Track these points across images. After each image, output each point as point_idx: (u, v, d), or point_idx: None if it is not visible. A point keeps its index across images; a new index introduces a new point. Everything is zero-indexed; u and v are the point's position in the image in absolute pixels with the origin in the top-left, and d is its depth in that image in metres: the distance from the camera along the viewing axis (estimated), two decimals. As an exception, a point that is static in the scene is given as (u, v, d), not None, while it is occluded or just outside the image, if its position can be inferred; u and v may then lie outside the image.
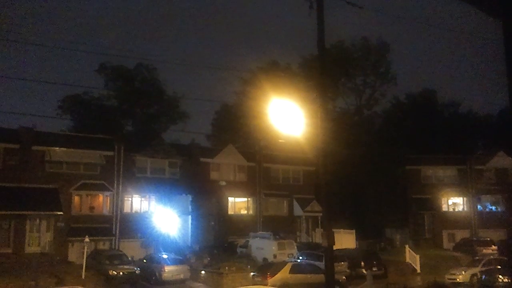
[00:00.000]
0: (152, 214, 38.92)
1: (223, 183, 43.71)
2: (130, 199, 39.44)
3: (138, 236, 37.91)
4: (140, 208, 39.74)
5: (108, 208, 37.91)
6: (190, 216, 41.03)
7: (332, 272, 14.70)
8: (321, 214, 35.50)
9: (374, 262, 31.77)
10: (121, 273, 28.45)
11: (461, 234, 48.80)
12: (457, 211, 52.39)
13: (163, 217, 38.23)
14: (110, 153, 38.31)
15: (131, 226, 37.90)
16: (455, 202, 52.84)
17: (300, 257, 32.29)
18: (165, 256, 30.60)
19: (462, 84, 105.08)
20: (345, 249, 34.66)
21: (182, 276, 29.02)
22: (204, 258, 34.45)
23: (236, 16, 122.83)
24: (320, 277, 19.73)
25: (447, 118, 64.62)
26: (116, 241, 37.19)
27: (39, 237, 34.06)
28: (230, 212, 44.24)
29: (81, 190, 36.90)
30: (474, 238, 46.33)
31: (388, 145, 55.13)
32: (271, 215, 45.74)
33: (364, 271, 29.71)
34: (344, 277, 27.66)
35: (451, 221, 50.62)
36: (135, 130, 57.37)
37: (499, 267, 28.80)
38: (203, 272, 31.04)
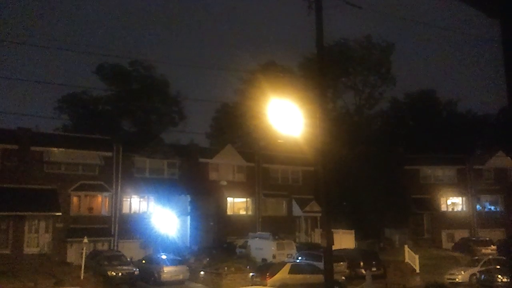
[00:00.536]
0: (151, 215, 38.88)
1: (224, 182, 43.72)
2: (128, 199, 39.39)
3: (137, 237, 37.87)
4: (139, 209, 39.71)
5: (106, 208, 37.87)
6: (189, 217, 40.99)
7: (331, 272, 14.69)
8: (320, 214, 35.47)
9: (373, 262, 31.77)
10: (120, 274, 28.41)
11: (460, 234, 48.82)
12: (456, 211, 52.41)
13: (162, 218, 38.19)
14: (108, 154, 38.27)
15: (130, 226, 37.86)
16: (454, 202, 52.87)
17: (299, 258, 32.26)
18: (164, 257, 30.55)
19: (461, 84, 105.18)
20: (344, 249, 34.63)
21: (181, 276, 28.99)
22: (203, 258, 34.40)
23: (235, 16, 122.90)
24: (320, 278, 19.73)
25: (446, 117, 64.64)
26: (115, 241, 37.15)
27: (37, 238, 34.00)
28: (229, 212, 44.22)
29: (80, 190, 36.86)
30: (473, 238, 46.37)
31: (387, 145, 55.11)
32: (270, 215, 45.72)
33: (363, 271, 29.70)
34: (343, 277, 27.64)
35: (450, 221, 50.64)
36: (134, 131, 57.30)
37: (498, 267, 28.80)
38: (202, 272, 31.00)
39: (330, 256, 14.92)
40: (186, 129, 58.15)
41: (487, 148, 54.86)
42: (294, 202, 47.22)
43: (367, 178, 49.93)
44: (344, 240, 39.04)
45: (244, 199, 45.51)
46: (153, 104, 57.71)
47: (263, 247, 35.45)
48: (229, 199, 44.39)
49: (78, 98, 54.98)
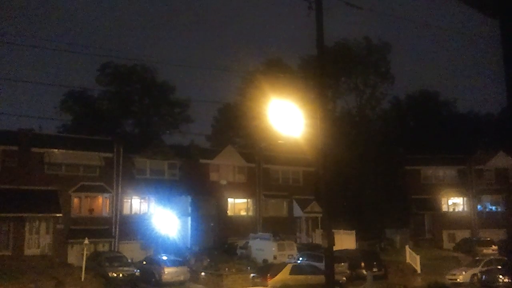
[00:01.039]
0: (151, 216, 38.85)
1: (224, 182, 43.73)
2: (129, 200, 39.37)
3: (137, 238, 37.84)
4: (140, 210, 39.68)
5: (107, 209, 37.85)
6: (189, 218, 40.96)
7: (332, 273, 14.67)
8: (321, 214, 35.43)
9: (374, 263, 31.75)
10: (120, 275, 28.42)
11: (461, 234, 48.77)
12: (457, 211, 52.36)
13: (163, 219, 38.16)
14: (109, 155, 38.26)
15: (130, 227, 37.84)
16: (455, 202, 52.81)
17: (300, 258, 32.25)
18: (164, 258, 30.55)
19: (462, 84, 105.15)
20: (345, 249, 34.61)
21: (181, 277, 28.98)
22: (204, 259, 34.37)
23: (236, 17, 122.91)
24: (320, 278, 19.69)
25: (447, 118, 64.61)
26: (116, 243, 37.13)
27: (38, 239, 33.99)
28: (230, 213, 44.18)
29: (81, 191, 36.84)
30: (474, 238, 46.31)
31: (388, 146, 55.10)
32: (271, 216, 45.69)
33: (364, 271, 29.68)
34: (344, 278, 27.64)
35: (451, 221, 50.59)
36: (135, 131, 57.34)
37: (499, 267, 28.80)
38: (203, 273, 30.97)
39: (331, 256, 14.89)
40: (187, 130, 58.24)
41: (488, 148, 54.79)
42: (295, 203, 47.18)
43: (368, 179, 49.98)
44: (345, 240, 39.01)
45: (244, 200, 45.48)
46: (155, 105, 57.74)
47: (264, 248, 35.42)
48: (230, 200, 44.36)
49: (80, 97, 54.99)
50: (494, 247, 41.68)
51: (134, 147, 40.35)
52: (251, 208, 45.59)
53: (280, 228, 42.55)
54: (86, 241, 29.39)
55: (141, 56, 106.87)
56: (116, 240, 37.24)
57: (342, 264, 29.62)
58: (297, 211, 46.93)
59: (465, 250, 41.85)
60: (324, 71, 16.64)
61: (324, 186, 15.02)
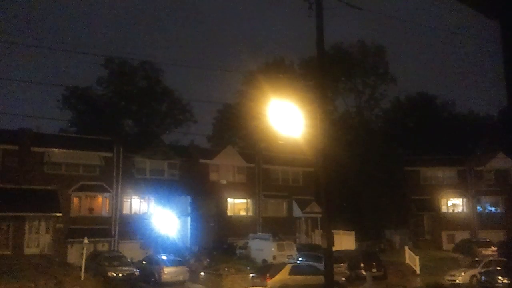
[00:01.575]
0: (151, 216, 38.87)
1: (224, 181, 43.77)
2: (129, 200, 39.38)
3: (137, 238, 37.85)
4: (139, 209, 39.69)
5: (107, 209, 37.87)
6: (189, 217, 40.98)
7: (331, 273, 14.68)
8: (320, 215, 35.42)
9: (374, 263, 31.75)
10: (120, 275, 28.39)
11: (460, 235, 48.76)
12: (456, 212, 52.37)
13: (162, 219, 38.18)
14: (109, 154, 38.28)
15: (130, 227, 37.85)
16: (454, 203, 52.83)
17: (300, 259, 32.26)
18: (164, 258, 30.54)
19: (461, 85, 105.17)
20: (345, 250, 34.61)
21: (181, 277, 28.98)
22: (203, 259, 34.39)
23: (236, 17, 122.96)
24: (320, 279, 19.72)
25: (446, 119, 64.64)
26: (115, 242, 37.15)
27: (38, 239, 34.00)
28: (230, 213, 44.19)
29: (80, 191, 36.85)
30: (474, 239, 46.28)
31: (387, 146, 55.14)
32: (270, 216, 45.70)
33: (363, 272, 29.69)
34: (343, 279, 27.65)
35: (451, 222, 50.61)
36: (135, 131, 57.31)
37: (498, 268, 28.77)
38: (202, 273, 30.98)
39: (330, 257, 14.90)
40: (187, 130, 58.24)
41: (487, 149, 54.83)
42: (294, 203, 47.19)
43: (368, 179, 50.01)
44: (345, 241, 39.03)
45: (244, 200, 45.50)
46: (157, 105, 57.71)
47: (263, 248, 35.43)
48: (230, 200, 44.36)
49: (81, 96, 54.97)
50: (493, 248, 41.67)
51: (134, 147, 40.38)
52: (250, 208, 45.61)
53: (279, 229, 42.58)
54: (86, 240, 29.39)
55: (141, 56, 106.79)
56: (116, 239, 37.25)
57: (342, 264, 29.61)
58: (297, 212, 46.94)
59: (464, 251, 41.82)
60: (324, 71, 16.66)
61: (323, 187, 15.04)
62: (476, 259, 34.11)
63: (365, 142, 54.62)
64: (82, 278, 27.17)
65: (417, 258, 34.56)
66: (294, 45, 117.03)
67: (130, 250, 35.52)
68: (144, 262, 31.29)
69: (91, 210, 37.40)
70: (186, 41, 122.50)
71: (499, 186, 50.44)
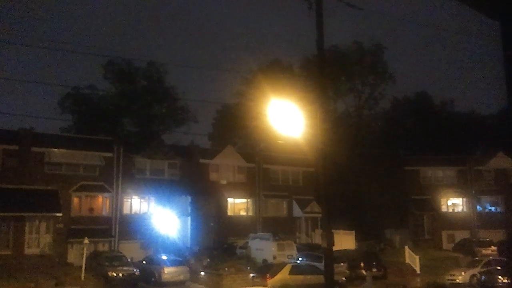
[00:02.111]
0: (151, 215, 38.89)
1: (224, 181, 43.81)
2: (129, 200, 39.40)
3: (137, 238, 37.87)
4: (140, 209, 39.72)
5: (107, 209, 37.88)
6: (189, 217, 40.99)
7: (331, 273, 14.69)
8: (320, 215, 35.46)
9: (374, 263, 31.78)
10: (120, 275, 28.43)
11: (460, 235, 48.80)
12: (456, 212, 52.40)
13: (163, 218, 38.20)
14: (109, 154, 38.30)
15: (130, 227, 37.87)
16: (454, 203, 52.85)
17: (300, 258, 32.27)
18: (164, 258, 30.56)
19: (461, 84, 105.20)
20: (345, 250, 34.61)
21: (181, 277, 29.01)
22: (204, 259, 34.39)
23: (236, 18, 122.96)
24: (320, 278, 19.71)
25: (446, 118, 64.62)
26: (116, 242, 37.16)
27: (38, 239, 34.01)
28: (230, 213, 44.22)
29: (81, 191, 36.87)
30: (474, 239, 46.33)
31: (387, 146, 55.13)
32: (270, 216, 45.73)
33: (363, 272, 29.71)
34: (343, 278, 27.66)
35: (451, 221, 50.63)
36: (136, 131, 57.24)
37: (498, 267, 28.81)
38: (202, 273, 30.99)
39: (330, 257, 14.91)
40: (187, 130, 58.17)
41: (487, 149, 54.86)
42: (294, 203, 47.22)
43: (368, 179, 49.99)
44: (345, 241, 39.01)
45: (244, 200, 45.52)
46: (157, 105, 57.62)
47: (263, 247, 35.44)
48: (230, 200, 44.39)
49: (81, 96, 54.88)
50: (493, 247, 41.70)
51: (134, 146, 40.41)
52: (250, 208, 45.63)
53: (279, 228, 42.60)
54: (86, 240, 29.42)
55: (142, 56, 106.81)
56: (116, 239, 37.26)
57: (342, 264, 29.65)
58: (297, 211, 46.97)
59: (464, 250, 41.85)
60: (324, 71, 16.68)
61: (323, 187, 15.05)
62: (476, 258, 34.14)
63: (365, 141, 54.63)
64: (83, 278, 27.20)
65: (417, 257, 34.58)
66: (294, 45, 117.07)
67: (131, 250, 35.54)
68: (144, 262, 31.33)
69: (91, 210, 37.42)
70: (186, 42, 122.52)
71: (499, 185, 50.48)
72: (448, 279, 29.85)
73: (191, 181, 41.31)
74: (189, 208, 41.01)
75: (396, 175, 52.39)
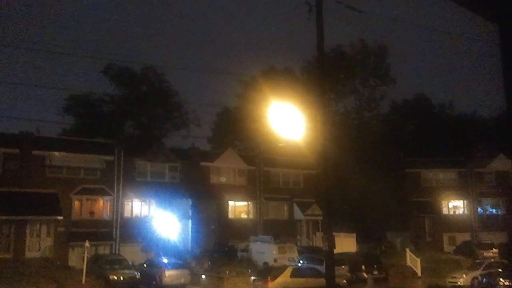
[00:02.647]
0: (152, 219, 38.90)
1: (225, 184, 43.88)
2: (130, 203, 39.42)
3: (138, 241, 37.86)
4: (140, 213, 39.72)
5: (108, 212, 37.90)
6: (190, 220, 40.99)
7: (332, 276, 14.70)
8: (321, 217, 35.52)
9: (375, 266, 31.76)
10: (121, 278, 28.42)
11: (461, 237, 48.72)
12: (457, 214, 52.36)
13: (163, 221, 38.21)
14: (110, 158, 38.33)
15: (131, 230, 37.87)
16: (455, 205, 52.81)
17: (301, 261, 32.25)
18: (165, 261, 30.54)
19: (462, 86, 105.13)
20: (346, 252, 34.60)
21: (182, 280, 28.99)
22: (205, 262, 34.38)
23: (237, 20, 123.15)
24: (321, 281, 19.71)
25: (447, 121, 64.62)
26: (116, 245, 37.16)
27: (39, 242, 34.03)
28: (231, 216, 44.21)
29: (81, 194, 36.89)
30: (475, 241, 46.25)
31: (388, 148, 55.12)
32: (271, 219, 45.70)
33: (364, 274, 29.70)
34: (345, 281, 27.65)
35: (452, 224, 50.59)
36: (136, 134, 57.32)
37: (500, 270, 28.77)
38: (203, 276, 30.98)
39: (331, 259, 14.92)
40: (187, 133, 58.24)
41: (488, 151, 54.83)
42: (295, 206, 47.20)
43: (368, 182, 49.95)
44: (346, 243, 38.99)
45: (245, 203, 45.51)
46: (157, 108, 57.69)
47: (264, 250, 35.42)
48: (231, 203, 44.38)
49: (82, 99, 55.01)
50: (494, 250, 41.65)
51: (135, 150, 40.42)
52: (251, 211, 45.62)
53: (280, 231, 42.56)
54: (87, 243, 29.40)
55: (142, 60, 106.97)
56: (117, 242, 37.27)
57: (343, 267, 29.63)
58: (298, 214, 46.95)
59: (465, 253, 41.79)
60: (324, 73, 16.71)
61: (324, 189, 15.07)
62: (477, 261, 34.05)
63: (365, 144, 54.64)
64: (83, 281, 27.17)
65: (418, 260, 34.53)
66: (295, 47, 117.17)
67: (131, 253, 35.52)
68: (145, 265, 31.32)
69: (92, 213, 37.43)
70: (186, 44, 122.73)
71: (500, 187, 50.44)
72: (450, 282, 29.81)
73: (192, 184, 41.32)
74: (190, 211, 41.01)
75: (397, 177, 52.39)
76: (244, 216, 45.54)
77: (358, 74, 61.68)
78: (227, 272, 30.21)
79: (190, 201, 40.98)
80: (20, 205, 32.99)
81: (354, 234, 41.81)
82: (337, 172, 37.84)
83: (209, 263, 34.32)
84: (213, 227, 42.02)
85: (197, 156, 43.62)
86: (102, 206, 38.00)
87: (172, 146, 47.87)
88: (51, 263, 32.60)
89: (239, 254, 38.14)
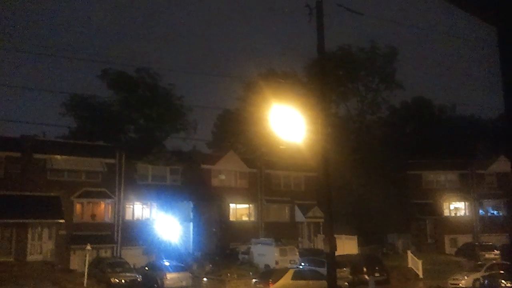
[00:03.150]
0: (153, 221, 38.93)
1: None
2: (131, 206, 39.44)
3: (140, 244, 37.88)
4: (142, 215, 39.75)
5: (109, 215, 37.92)
6: (191, 223, 41.01)
7: (334, 278, 14.70)
8: (322, 220, 35.43)
9: (376, 268, 31.72)
10: (123, 281, 28.45)
11: (463, 239, 48.68)
12: (459, 216, 52.32)
13: (165, 224, 38.23)
14: (111, 161, 38.38)
15: (132, 233, 37.89)
16: (457, 207, 52.78)
17: (302, 263, 32.24)
18: (167, 264, 30.58)
19: (463, 88, 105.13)
20: (347, 255, 34.54)
21: (184, 283, 29.01)
22: (206, 265, 34.40)
23: (238, 22, 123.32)
24: (322, 283, 19.71)
25: (448, 122, 64.59)
26: (118, 248, 37.17)
27: (41, 245, 34.05)
28: (232, 218, 44.20)
29: (83, 197, 36.93)
30: (476, 243, 46.22)
31: (389, 150, 55.08)
32: (272, 221, 45.69)
33: (366, 276, 29.65)
34: (346, 283, 27.65)
35: (453, 226, 50.55)
36: (137, 137, 57.26)
37: (501, 271, 28.77)
38: (205, 279, 31.02)
39: (333, 261, 14.93)
40: (188, 136, 58.18)
41: (489, 152, 54.80)
42: (296, 208, 47.20)
43: (370, 184, 49.95)
44: (347, 245, 38.94)
45: (246, 205, 45.52)
46: (158, 111, 57.63)
47: (265, 253, 35.43)
48: (232, 205, 44.39)
49: (83, 102, 54.97)
50: (496, 251, 41.63)
51: (136, 153, 40.42)
52: (253, 213, 45.62)
53: (282, 233, 42.56)
54: (89, 247, 29.43)
55: (142, 62, 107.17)
56: (118, 245, 37.28)
57: (344, 269, 29.59)
58: (299, 216, 46.94)
59: (467, 254, 41.76)
60: (325, 76, 16.75)
61: (325, 191, 15.08)
62: (479, 262, 34.03)
63: (366, 146, 54.61)
64: (85, 284, 27.21)
65: (419, 262, 34.52)
66: (296, 49, 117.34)
67: (133, 256, 35.54)
68: (146, 268, 31.33)
69: (93, 216, 37.45)
70: (187, 47, 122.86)
71: (501, 189, 50.38)
72: (451, 284, 29.80)
73: (193, 186, 41.34)
74: (191, 214, 41.03)
75: (398, 179, 52.37)
76: (245, 218, 45.55)
77: (362, 76, 61.46)
78: (228, 274, 30.27)
79: (191, 204, 41.00)
80: (21, 208, 33.01)
81: (356, 236, 41.77)
82: (339, 174, 37.79)
83: (210, 265, 34.34)
84: (214, 229, 42.03)
85: (198, 158, 43.66)
86: (104, 209, 38.04)
87: (173, 149, 47.91)
88: (53, 266, 32.64)
89: (241, 256, 38.14)
